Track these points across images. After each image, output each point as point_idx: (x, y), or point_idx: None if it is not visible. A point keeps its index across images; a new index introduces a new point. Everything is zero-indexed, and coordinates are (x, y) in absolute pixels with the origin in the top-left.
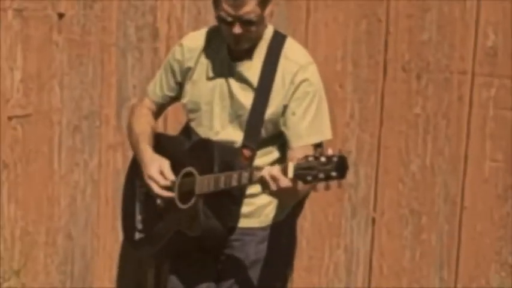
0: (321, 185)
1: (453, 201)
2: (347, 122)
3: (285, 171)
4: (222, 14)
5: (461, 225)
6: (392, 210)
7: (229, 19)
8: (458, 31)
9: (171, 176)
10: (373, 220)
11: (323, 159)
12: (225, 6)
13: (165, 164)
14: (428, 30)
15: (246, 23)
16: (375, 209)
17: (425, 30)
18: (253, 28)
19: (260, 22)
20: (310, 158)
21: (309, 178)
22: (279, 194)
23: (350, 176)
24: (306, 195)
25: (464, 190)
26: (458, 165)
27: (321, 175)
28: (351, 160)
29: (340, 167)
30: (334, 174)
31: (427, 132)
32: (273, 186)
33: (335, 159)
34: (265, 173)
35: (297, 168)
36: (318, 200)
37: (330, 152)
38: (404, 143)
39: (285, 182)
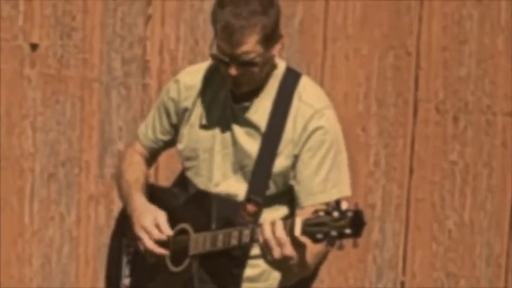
0: (334, 245)
1: (497, 263)
2: (371, 170)
3: (291, 228)
4: (217, 52)
5: None
6: (425, 273)
7: (226, 58)
8: (501, 65)
9: (167, 230)
10: (402, 284)
11: (336, 214)
12: (220, 42)
13: (161, 216)
14: (466, 65)
15: (244, 64)
16: (404, 272)
17: (463, 65)
18: (253, 70)
19: (264, 63)
20: (321, 213)
21: (319, 236)
22: (283, 264)
23: (375, 233)
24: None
25: (510, 250)
26: (503, 221)
27: (333, 232)
28: (376, 215)
29: (356, 223)
30: (348, 231)
31: (465, 183)
32: (276, 253)
33: (350, 214)
34: (267, 229)
35: (306, 224)
36: (337, 261)
37: (344, 206)
38: (439, 196)
39: (290, 250)
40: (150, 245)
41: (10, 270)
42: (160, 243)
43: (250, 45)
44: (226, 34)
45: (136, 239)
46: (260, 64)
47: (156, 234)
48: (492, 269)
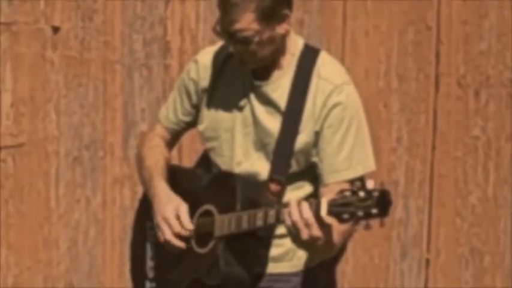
0: (360, 225)
1: None
2: (393, 147)
3: (317, 208)
4: (217, 28)
5: None
6: (450, 250)
7: (224, 35)
8: None
9: (189, 225)
10: (427, 262)
11: (362, 194)
12: (219, 19)
13: (183, 207)
14: (487, 39)
15: (240, 41)
16: (428, 249)
17: (484, 39)
18: (252, 48)
19: (265, 41)
20: (347, 193)
21: (346, 216)
22: (310, 244)
23: (399, 210)
24: (346, 242)
25: None
26: None
27: (360, 213)
28: (399, 192)
29: (382, 202)
30: (375, 211)
31: (488, 158)
32: (304, 234)
33: (376, 194)
34: (294, 211)
35: (332, 205)
36: (362, 240)
37: (370, 185)
38: (462, 171)
39: (317, 231)
40: (170, 237)
41: (38, 254)
42: (181, 235)
43: (245, 23)
44: (222, 10)
45: (157, 228)
46: (258, 42)
47: (177, 227)
48: None
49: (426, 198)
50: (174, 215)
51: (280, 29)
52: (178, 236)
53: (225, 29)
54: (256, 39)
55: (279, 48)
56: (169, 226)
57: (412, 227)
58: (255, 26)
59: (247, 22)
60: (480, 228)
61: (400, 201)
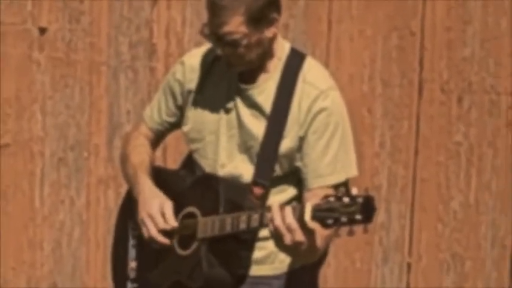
0: (343, 231)
1: (502, 244)
2: (376, 152)
3: (301, 213)
4: (205, 31)
5: None
6: (431, 254)
7: (212, 37)
8: (505, 46)
9: (173, 221)
10: (409, 266)
11: (346, 199)
12: (208, 21)
13: (167, 204)
14: (470, 45)
15: (228, 44)
16: (410, 254)
17: (467, 45)
18: (239, 51)
19: (253, 44)
20: (331, 199)
21: (330, 221)
22: (293, 249)
23: (381, 215)
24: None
25: None
26: (508, 201)
27: (344, 218)
28: (381, 196)
29: (366, 209)
30: (359, 217)
31: (470, 164)
32: (287, 239)
33: (360, 200)
34: (277, 216)
35: (316, 210)
36: (344, 244)
37: (354, 191)
38: (444, 176)
39: (300, 236)
40: (155, 233)
41: (22, 255)
42: (165, 232)
43: (233, 26)
44: (210, 13)
45: (141, 224)
46: (246, 45)
47: (162, 223)
48: (497, 249)
49: (408, 203)
50: (159, 211)
51: (268, 33)
52: (163, 232)
53: (214, 31)
54: (245, 42)
55: (266, 52)
56: (154, 222)
57: (394, 232)
58: (243, 29)
59: (236, 25)
60: (461, 234)
61: (383, 205)
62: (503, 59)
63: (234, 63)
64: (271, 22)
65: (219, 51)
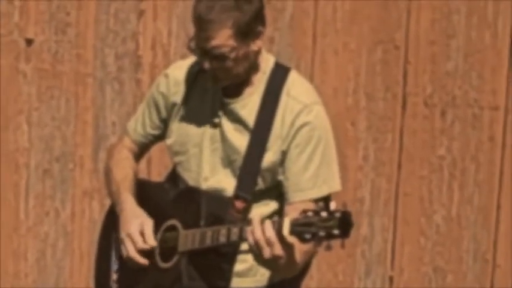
0: (321, 245)
1: (484, 259)
2: (360, 165)
3: (279, 227)
4: (191, 45)
5: (494, 286)
6: (413, 268)
7: (198, 51)
8: (488, 60)
9: (152, 241)
10: (391, 279)
11: (324, 214)
12: (195, 35)
13: (147, 224)
14: (454, 59)
15: (216, 58)
16: (392, 267)
17: (451, 59)
18: (227, 64)
19: (240, 58)
20: (310, 213)
21: (308, 236)
22: (272, 262)
23: (364, 228)
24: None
25: (497, 245)
26: (490, 216)
27: (322, 233)
28: (364, 209)
29: (344, 224)
30: (336, 232)
31: (453, 178)
32: (266, 253)
33: (338, 214)
34: (257, 230)
35: (294, 224)
36: (326, 256)
37: (332, 206)
38: (427, 190)
39: (279, 250)
40: (133, 253)
41: (6, 266)
42: (144, 251)
43: (221, 40)
44: (198, 27)
45: (121, 243)
46: (234, 59)
47: (140, 243)
48: (479, 264)
49: (391, 217)
50: (138, 231)
51: (254, 46)
52: (142, 252)
53: (201, 45)
54: (233, 55)
55: (252, 65)
56: (133, 242)
57: (376, 245)
58: (231, 42)
59: (224, 38)
60: (443, 248)
61: (365, 219)
62: (487, 73)
63: (221, 77)
64: (257, 35)
65: (206, 66)
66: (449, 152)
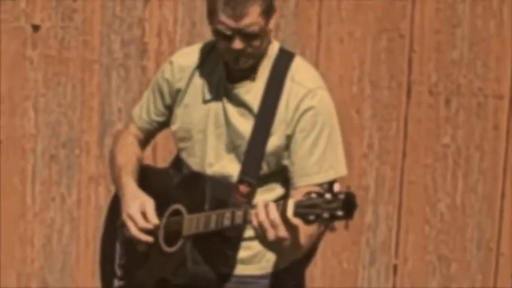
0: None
1: (488, 247)
2: (365, 153)
3: (283, 209)
4: (220, 27)
5: (497, 274)
6: (417, 256)
7: (229, 33)
8: (493, 48)
9: (153, 219)
10: (395, 268)
11: (328, 196)
12: (223, 17)
13: (148, 203)
14: (458, 48)
15: (247, 36)
16: (396, 255)
17: (456, 48)
18: (256, 43)
19: (264, 36)
20: (313, 195)
21: (312, 217)
22: (276, 245)
23: (368, 216)
24: (316, 244)
25: (501, 234)
26: (494, 204)
27: (325, 214)
28: (369, 197)
29: (347, 205)
30: (340, 213)
31: (457, 166)
32: (271, 235)
33: (341, 196)
34: (261, 212)
35: (298, 206)
36: (331, 244)
37: (336, 188)
38: (431, 179)
39: (283, 232)
40: (136, 232)
41: (12, 252)
42: (148, 231)
43: (253, 17)
44: (230, 7)
45: (124, 225)
46: (261, 37)
47: (142, 222)
48: (483, 252)
49: (395, 205)
50: (138, 211)
51: (271, 23)
52: (145, 231)
53: (232, 25)
54: (262, 33)
55: (267, 45)
56: (134, 222)
57: (381, 233)
58: (260, 19)
59: (255, 15)
60: (448, 236)
61: (370, 207)
62: (491, 62)
63: (245, 57)
64: (274, 12)
65: (237, 46)
66: (454, 141)
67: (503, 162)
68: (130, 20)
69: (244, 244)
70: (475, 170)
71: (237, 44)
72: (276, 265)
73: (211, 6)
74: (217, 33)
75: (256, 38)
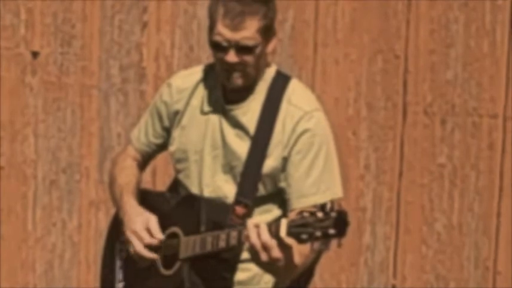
0: (318, 244)
1: (485, 266)
2: (361, 174)
3: (277, 229)
4: (217, 38)
5: None
6: (415, 276)
7: (225, 44)
8: (486, 68)
9: (158, 234)
10: None
11: (320, 214)
12: (221, 28)
13: (152, 219)
14: (453, 68)
15: (242, 50)
16: (394, 275)
17: (450, 68)
18: (249, 58)
19: (259, 54)
20: (306, 214)
21: (304, 236)
22: (271, 265)
23: (366, 236)
24: (313, 265)
25: (497, 252)
26: (490, 223)
27: (318, 233)
28: (366, 218)
29: (339, 223)
30: (332, 231)
31: (453, 186)
32: (264, 256)
33: (333, 214)
34: (253, 234)
35: (291, 226)
36: (329, 265)
37: (328, 206)
38: (428, 198)
39: (276, 253)
40: (140, 249)
41: (15, 277)
42: (152, 247)
43: (251, 31)
44: (229, 18)
45: (128, 242)
46: (256, 54)
47: (147, 238)
48: (480, 271)
49: (393, 225)
50: (143, 227)
51: (269, 47)
52: (149, 248)
53: (229, 36)
54: (258, 50)
55: (263, 68)
56: (139, 238)
57: (379, 253)
58: (258, 36)
59: (253, 31)
60: (445, 255)
61: (368, 227)
62: (485, 82)
63: (238, 73)
64: (273, 35)
65: (230, 58)
66: (450, 160)
67: (498, 181)
68: (128, 45)
69: (242, 266)
70: (471, 189)
71: (231, 57)
72: (274, 287)
73: (212, 19)
74: (214, 44)
75: (250, 53)
